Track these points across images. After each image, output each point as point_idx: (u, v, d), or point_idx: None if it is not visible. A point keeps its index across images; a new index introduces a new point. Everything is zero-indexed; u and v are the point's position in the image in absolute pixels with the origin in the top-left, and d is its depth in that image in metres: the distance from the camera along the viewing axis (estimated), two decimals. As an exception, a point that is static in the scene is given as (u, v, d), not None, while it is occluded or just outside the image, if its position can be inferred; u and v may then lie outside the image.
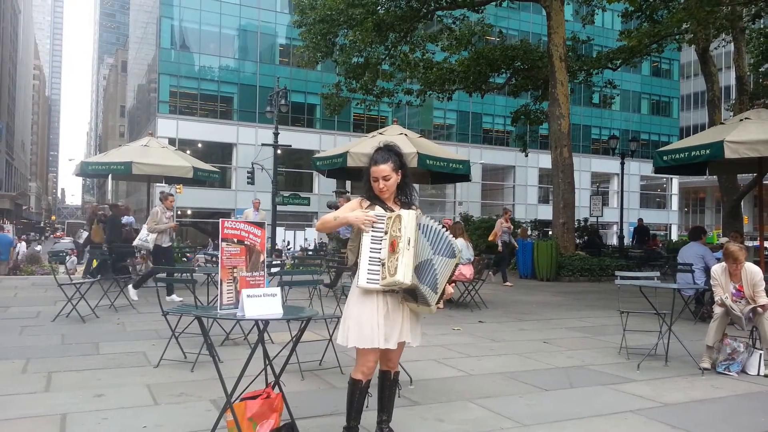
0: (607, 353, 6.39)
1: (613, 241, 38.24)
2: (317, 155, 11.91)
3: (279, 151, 26.51)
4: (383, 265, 3.04)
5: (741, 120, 9.10)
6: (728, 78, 44.38)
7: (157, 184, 15.89)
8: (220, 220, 3.46)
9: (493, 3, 19.53)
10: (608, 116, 54.47)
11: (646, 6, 19.07)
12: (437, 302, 3.20)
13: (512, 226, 15.06)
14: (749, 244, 16.41)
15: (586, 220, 25.88)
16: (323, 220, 3.31)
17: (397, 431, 3.47)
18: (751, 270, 5.69)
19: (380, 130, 11.43)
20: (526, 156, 26.24)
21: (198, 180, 12.21)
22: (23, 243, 34.05)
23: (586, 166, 52.56)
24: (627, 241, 25.58)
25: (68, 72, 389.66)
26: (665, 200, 62.83)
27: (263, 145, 30.06)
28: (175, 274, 7.32)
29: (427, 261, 3.12)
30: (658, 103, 60.12)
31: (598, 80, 23.01)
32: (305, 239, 37.94)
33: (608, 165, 52.13)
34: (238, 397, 3.35)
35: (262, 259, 3.53)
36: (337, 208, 16.48)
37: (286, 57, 46.84)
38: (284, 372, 3.62)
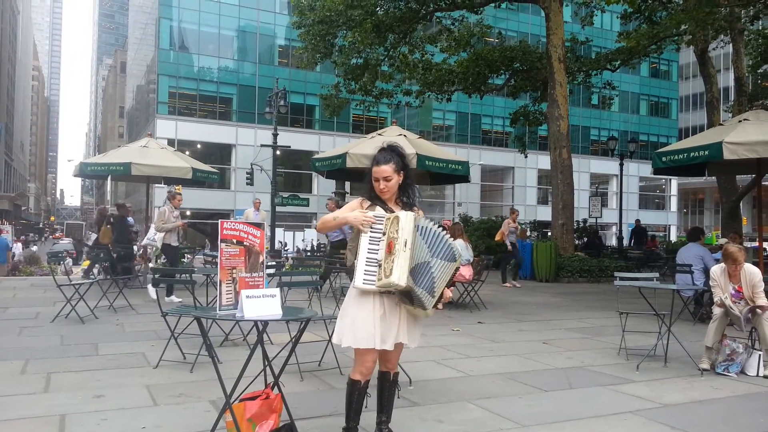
0: (607, 354, 6.39)
1: (612, 242, 38.29)
2: (316, 156, 11.91)
3: (278, 152, 26.49)
4: (380, 266, 3.04)
5: (740, 121, 9.10)
6: (727, 79, 44.43)
7: (156, 185, 15.89)
8: (220, 220, 3.46)
9: (492, 4, 19.56)
10: (607, 117, 54.54)
11: (644, 7, 19.10)
12: (434, 305, 3.19)
13: (519, 227, 14.99)
14: (748, 245, 16.41)
15: (585, 221, 25.89)
16: (323, 220, 3.34)
17: (397, 432, 3.47)
18: (750, 271, 5.69)
19: (379, 131, 11.43)
20: (525, 157, 26.27)
21: (197, 181, 12.21)
22: (19, 244, 34.07)
23: (585, 167, 52.60)
24: (626, 242, 25.58)
25: (67, 73, 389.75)
26: (664, 201, 62.89)
27: (262, 146, 30.07)
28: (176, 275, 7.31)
29: (424, 263, 3.11)
30: (657, 104, 60.19)
31: (597, 81, 23.05)
32: (302, 240, 37.93)
33: (607, 166, 52.17)
34: (238, 397, 3.35)
35: (261, 260, 3.53)
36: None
37: (285, 58, 46.86)
38: (283, 373, 3.62)
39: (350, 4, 17.62)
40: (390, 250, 3.02)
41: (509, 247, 13.89)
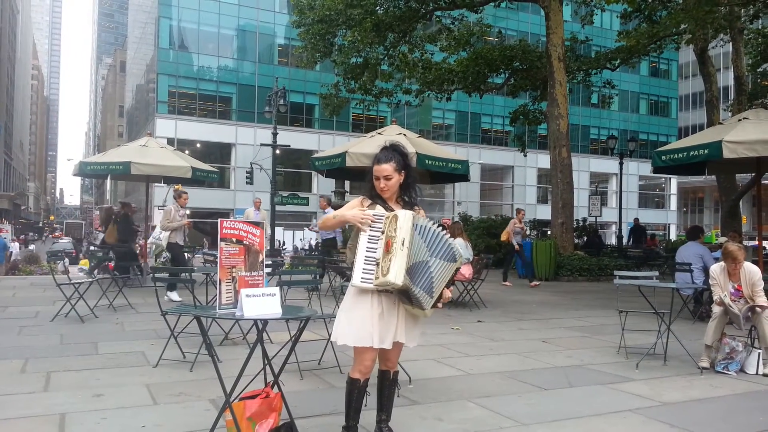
0: (606, 353, 6.39)
1: (612, 240, 38.29)
2: (316, 155, 11.90)
3: (278, 151, 26.50)
4: (378, 264, 3.04)
5: (739, 120, 9.10)
6: (727, 78, 44.42)
7: (156, 184, 15.87)
8: (219, 219, 3.46)
9: (492, 3, 19.54)
10: (607, 116, 54.55)
11: (644, 6, 19.09)
12: (433, 305, 3.19)
13: (525, 227, 14.91)
14: (748, 243, 16.41)
15: (584, 219, 25.91)
16: (324, 219, 3.39)
17: (397, 430, 3.47)
18: (750, 270, 5.69)
19: (379, 130, 11.42)
20: (525, 156, 26.26)
21: (197, 180, 12.19)
22: (17, 243, 34.06)
23: (584, 166, 52.62)
24: (625, 240, 25.61)
25: (67, 72, 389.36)
26: (664, 200, 62.92)
27: (262, 145, 30.06)
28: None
29: (422, 263, 3.10)
30: (657, 103, 60.21)
31: (596, 80, 23.04)
32: (300, 239, 37.96)
33: (607, 165, 52.23)
34: (237, 396, 3.35)
35: (261, 259, 3.53)
36: (336, 207, 16.48)
37: (284, 57, 46.85)
38: (283, 371, 3.62)
39: (350, 3, 17.60)
40: (388, 248, 3.02)
41: (516, 247, 13.77)
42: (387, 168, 3.22)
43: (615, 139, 26.45)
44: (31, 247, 37.36)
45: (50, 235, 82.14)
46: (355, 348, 3.19)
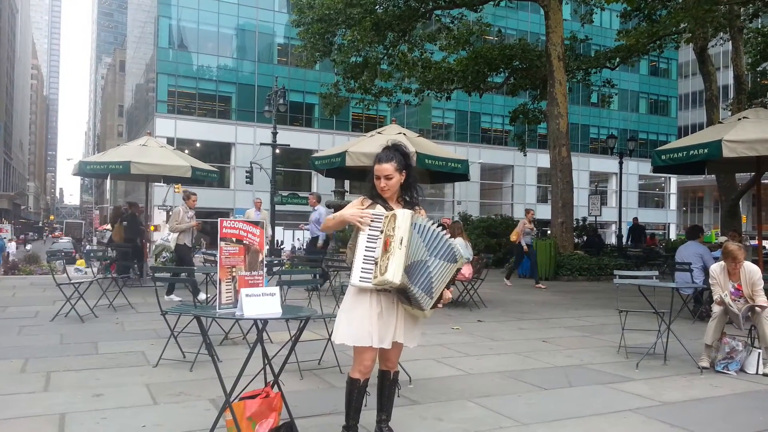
0: (606, 352, 6.39)
1: (612, 240, 38.30)
2: (316, 155, 11.89)
3: (277, 151, 26.51)
4: (376, 263, 3.04)
5: (739, 119, 9.09)
6: (726, 77, 44.43)
7: (156, 184, 15.87)
8: (219, 219, 3.45)
9: (492, 2, 19.53)
10: (606, 115, 54.55)
11: (644, 5, 19.09)
12: (433, 306, 3.18)
13: (534, 227, 14.71)
14: (750, 243, 16.41)
15: (584, 219, 25.91)
16: (325, 220, 3.38)
17: (397, 430, 3.47)
18: (750, 269, 5.69)
19: (379, 130, 11.42)
20: (525, 155, 26.27)
21: (196, 180, 12.18)
22: (14, 243, 34.06)
23: (584, 166, 52.63)
24: (625, 240, 25.62)
25: (66, 71, 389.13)
26: (664, 199, 62.94)
27: (262, 144, 30.08)
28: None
29: (421, 262, 3.10)
30: (657, 102, 60.22)
31: (596, 79, 23.04)
32: (298, 239, 37.99)
33: (607, 164, 52.24)
34: (237, 396, 3.35)
35: (260, 259, 3.53)
36: (336, 207, 16.45)
37: (284, 56, 46.84)
38: (283, 371, 3.62)
39: (349, 2, 17.59)
40: (386, 248, 3.02)
41: (525, 248, 13.61)
42: (388, 167, 3.22)
43: (615, 138, 26.44)
44: (28, 246, 37.34)
45: (50, 235, 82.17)
46: (355, 348, 3.19)
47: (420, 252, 3.10)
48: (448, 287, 3.25)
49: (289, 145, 29.97)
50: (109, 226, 16.89)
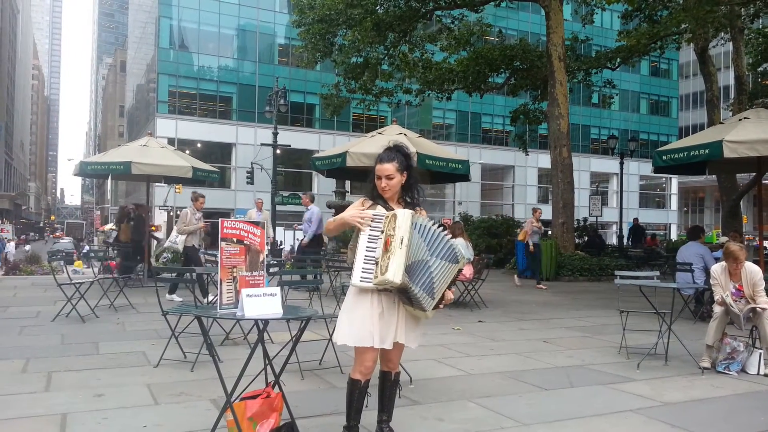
0: (607, 353, 6.39)
1: (613, 240, 38.31)
2: (316, 155, 11.90)
3: (278, 151, 26.52)
4: (377, 263, 3.04)
5: (740, 119, 9.09)
6: (727, 78, 44.41)
7: (157, 184, 15.88)
8: (220, 219, 3.46)
9: (492, 3, 19.55)
10: (607, 116, 54.54)
11: (645, 6, 19.09)
12: (434, 307, 3.18)
13: (542, 226, 14.46)
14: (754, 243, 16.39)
15: (585, 219, 25.91)
16: (327, 224, 3.37)
17: (398, 431, 3.47)
18: (751, 269, 5.69)
19: (379, 130, 11.42)
20: (527, 155, 26.27)
21: (197, 180, 12.19)
22: (12, 243, 34.05)
23: (585, 166, 52.60)
24: (626, 241, 25.63)
25: (67, 72, 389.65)
26: (664, 200, 62.90)
27: (262, 144, 30.10)
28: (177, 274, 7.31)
29: (422, 262, 3.09)
30: (657, 102, 60.19)
31: (597, 80, 23.04)
32: (296, 239, 37.98)
33: (607, 165, 52.19)
34: (238, 396, 3.35)
35: (261, 259, 3.53)
36: (337, 207, 16.36)
37: (285, 57, 46.85)
38: (284, 371, 3.62)
39: (350, 2, 17.61)
40: (387, 247, 3.02)
41: (531, 248, 13.43)
42: (389, 167, 3.22)
43: (615, 138, 26.47)
44: (27, 247, 37.30)
45: (51, 235, 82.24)
46: (356, 348, 3.18)
47: (421, 252, 3.10)
48: (449, 288, 3.24)
49: (289, 146, 29.97)
50: (111, 226, 16.92)
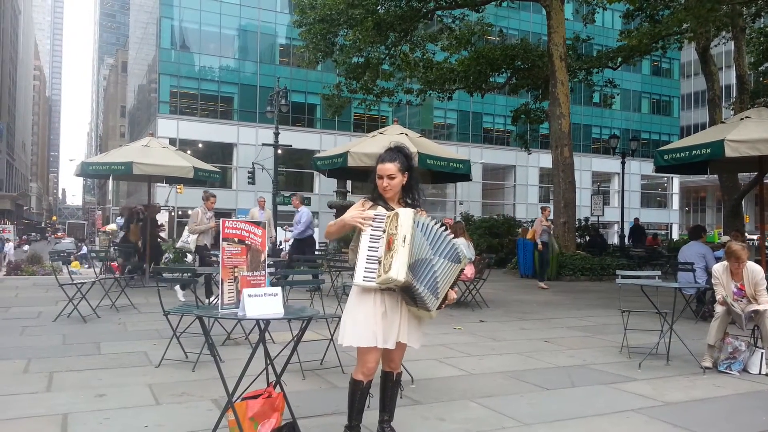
0: (609, 352, 6.38)
1: (614, 240, 38.29)
2: (318, 155, 11.90)
3: (279, 151, 26.53)
4: (380, 263, 3.03)
5: (741, 119, 9.08)
6: (729, 77, 44.38)
7: (158, 185, 15.87)
8: (221, 219, 3.46)
9: (493, 2, 19.54)
10: (609, 115, 54.49)
11: (646, 5, 19.07)
12: (438, 307, 3.17)
13: (552, 225, 14.29)
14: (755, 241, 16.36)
15: (587, 219, 25.89)
16: (327, 227, 3.35)
17: (399, 430, 3.47)
18: (753, 269, 5.68)
19: (381, 130, 11.43)
20: (529, 154, 26.25)
21: (198, 180, 12.20)
22: (11, 244, 34.09)
23: (586, 166, 52.57)
24: (626, 240, 25.62)
25: (68, 72, 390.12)
26: (666, 199, 62.84)
27: (264, 145, 30.12)
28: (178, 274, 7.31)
29: (425, 260, 3.09)
30: (659, 102, 60.13)
31: (598, 79, 23.02)
32: (285, 241, 37.97)
33: (609, 164, 52.13)
34: (240, 396, 3.35)
35: (262, 259, 3.53)
36: (338, 207, 16.29)
37: (286, 57, 46.86)
38: (285, 371, 3.62)
39: (351, 2, 17.61)
40: (389, 246, 3.01)
41: (540, 247, 13.34)
42: (391, 167, 3.22)
43: (617, 138, 26.43)
44: (25, 247, 37.27)
45: (53, 236, 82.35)
46: (359, 349, 3.18)
47: (424, 251, 3.10)
48: (452, 287, 3.24)
49: (291, 146, 29.99)
50: (113, 227, 16.93)
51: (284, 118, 37.10)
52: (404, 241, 2.99)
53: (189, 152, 20.58)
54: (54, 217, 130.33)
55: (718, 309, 5.68)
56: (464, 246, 9.51)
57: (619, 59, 21.16)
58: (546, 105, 20.26)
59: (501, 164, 52.97)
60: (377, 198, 3.29)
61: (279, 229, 20.85)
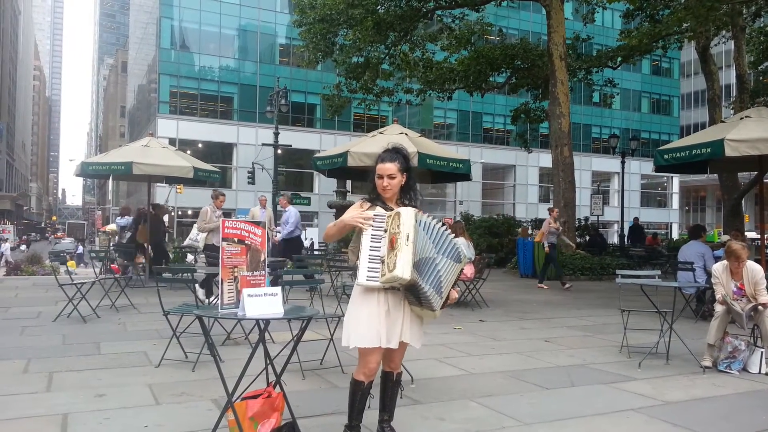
0: (609, 352, 6.38)
1: (614, 239, 38.29)
2: (317, 155, 11.90)
3: (279, 151, 26.54)
4: (383, 262, 3.02)
5: (741, 118, 9.08)
6: (728, 76, 44.37)
7: (158, 185, 15.88)
8: (221, 219, 3.46)
9: (493, 2, 19.54)
10: (609, 115, 54.49)
11: (646, 5, 19.07)
12: (441, 306, 3.16)
13: (560, 227, 14.08)
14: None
15: (586, 219, 25.90)
16: (326, 230, 3.34)
17: (399, 430, 3.47)
18: (753, 268, 5.68)
19: (380, 130, 11.42)
20: (529, 153, 26.24)
21: (198, 180, 12.19)
22: (8, 245, 34.14)
23: (586, 165, 52.57)
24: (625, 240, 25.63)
25: (68, 72, 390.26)
26: (666, 199, 62.84)
27: (263, 145, 30.13)
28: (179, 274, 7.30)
29: (430, 259, 3.08)
30: (659, 101, 60.13)
31: (597, 79, 23.02)
32: (311, 239, 37.99)
33: (609, 164, 52.13)
34: (239, 396, 3.35)
35: (262, 259, 3.53)
36: (338, 207, 16.23)
37: (286, 57, 46.86)
38: (285, 371, 3.62)
39: (351, 2, 17.61)
40: (392, 245, 3.00)
41: (546, 249, 13.19)
42: (392, 167, 3.23)
43: (617, 137, 26.43)
44: (23, 247, 37.25)
45: (53, 236, 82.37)
46: (361, 349, 3.16)
47: (428, 249, 3.09)
48: (453, 287, 3.24)
49: (291, 146, 29.99)
50: (113, 227, 16.90)
51: (284, 118, 37.09)
52: (407, 239, 2.99)
53: (189, 152, 20.59)
54: (54, 217, 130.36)
55: (718, 308, 5.68)
56: (464, 246, 9.52)
57: (619, 59, 21.17)
58: (546, 104, 20.26)
59: (501, 164, 52.97)
60: (375, 199, 3.29)
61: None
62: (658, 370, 5.59)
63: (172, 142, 35.44)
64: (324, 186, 40.79)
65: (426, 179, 12.07)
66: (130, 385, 4.69)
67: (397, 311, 3.14)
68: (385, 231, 3.06)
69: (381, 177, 3.24)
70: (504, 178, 54.78)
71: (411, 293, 3.09)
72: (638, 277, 6.98)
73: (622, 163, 24.56)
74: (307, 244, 26.64)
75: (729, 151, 8.21)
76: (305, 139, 42.72)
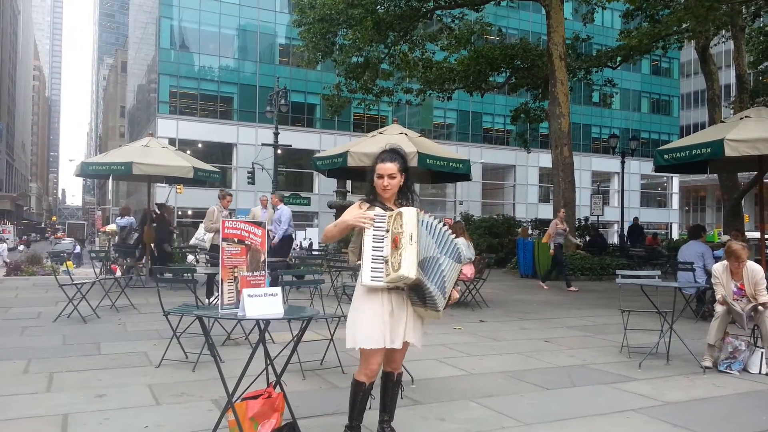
0: (609, 352, 6.38)
1: (614, 239, 38.29)
2: (317, 155, 11.90)
3: (279, 151, 26.54)
4: (386, 262, 3.02)
5: (741, 118, 9.09)
6: (728, 76, 44.36)
7: (158, 185, 15.88)
8: (222, 219, 3.45)
9: (493, 2, 19.53)
10: (608, 115, 54.48)
11: (646, 5, 19.07)
12: (444, 307, 3.16)
13: (567, 228, 13.98)
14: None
15: (586, 219, 25.91)
16: (326, 231, 3.32)
17: (399, 430, 3.47)
18: (753, 268, 5.68)
19: (380, 130, 11.42)
20: (529, 153, 26.26)
21: (198, 180, 12.21)
22: (5, 245, 34.14)
23: (586, 165, 52.57)
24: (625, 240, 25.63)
25: (68, 72, 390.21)
26: (666, 199, 62.85)
27: (263, 145, 30.14)
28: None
29: (433, 258, 3.08)
30: (658, 101, 60.13)
31: (597, 79, 23.02)
32: (303, 239, 37.98)
33: (609, 164, 52.15)
34: (240, 396, 3.35)
35: (262, 259, 3.53)
36: (338, 207, 16.19)
37: (285, 57, 46.86)
38: (285, 372, 3.62)
39: (351, 2, 17.60)
40: (396, 245, 3.00)
41: (552, 251, 13.17)
42: (392, 167, 3.23)
43: (617, 137, 26.45)
44: (21, 248, 37.26)
45: (53, 236, 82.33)
46: (363, 350, 3.15)
47: (431, 249, 3.09)
48: (454, 287, 3.24)
49: (290, 146, 30.00)
50: (113, 227, 16.88)
51: (284, 118, 37.09)
52: (411, 238, 2.98)
53: (189, 152, 20.58)
54: (54, 218, 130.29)
55: (718, 308, 5.68)
56: (464, 246, 9.53)
57: (619, 58, 21.17)
58: (545, 104, 20.26)
59: (501, 164, 52.97)
60: (374, 199, 3.29)
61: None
62: (658, 370, 5.59)
63: (171, 142, 35.45)
64: (324, 186, 40.79)
65: (426, 179, 12.08)
66: (131, 386, 4.68)
67: (400, 311, 3.14)
68: (387, 231, 3.06)
69: (381, 177, 3.24)
70: (504, 178, 54.79)
71: (416, 293, 3.09)
72: (638, 277, 6.98)
73: (622, 163, 24.57)
74: (306, 244, 26.72)
75: (729, 151, 8.21)
76: (305, 139, 42.72)
